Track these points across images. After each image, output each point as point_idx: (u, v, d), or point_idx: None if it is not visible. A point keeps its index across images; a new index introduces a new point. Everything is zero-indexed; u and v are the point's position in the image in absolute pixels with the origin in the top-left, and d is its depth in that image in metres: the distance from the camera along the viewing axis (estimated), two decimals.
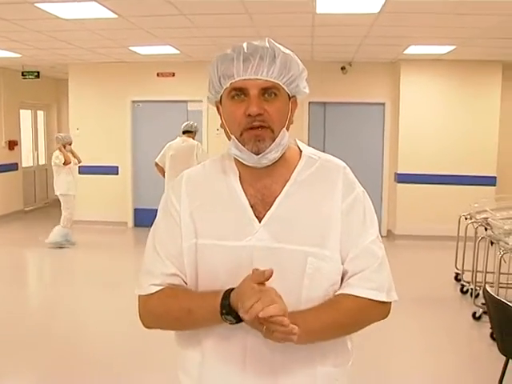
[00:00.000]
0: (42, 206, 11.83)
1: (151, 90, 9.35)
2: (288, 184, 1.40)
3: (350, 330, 1.43)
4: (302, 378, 1.38)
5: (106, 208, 9.63)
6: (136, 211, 9.49)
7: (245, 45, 1.35)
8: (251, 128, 1.33)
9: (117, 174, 9.69)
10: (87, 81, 9.59)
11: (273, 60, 1.33)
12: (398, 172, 8.90)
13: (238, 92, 1.34)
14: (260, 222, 1.37)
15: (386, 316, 1.44)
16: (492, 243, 5.34)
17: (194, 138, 7.32)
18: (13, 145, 10.53)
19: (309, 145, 1.53)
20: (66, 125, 11.33)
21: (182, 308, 1.35)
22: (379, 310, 1.41)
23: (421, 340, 4.82)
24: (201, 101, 9.34)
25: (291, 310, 1.26)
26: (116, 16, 5.77)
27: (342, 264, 1.37)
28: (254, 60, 1.32)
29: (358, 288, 1.36)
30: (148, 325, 1.45)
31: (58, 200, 8.16)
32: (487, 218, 5.47)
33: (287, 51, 1.37)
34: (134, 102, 9.56)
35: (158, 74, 9.39)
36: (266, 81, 1.33)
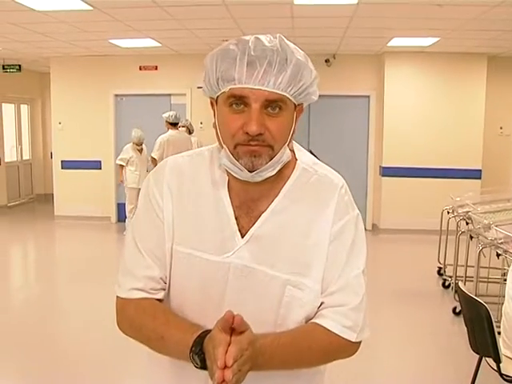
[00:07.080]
0: (27, 201, 11.65)
1: (134, 83, 9.24)
2: (276, 199, 1.25)
3: (314, 361, 1.29)
4: None
5: (89, 203, 9.54)
6: (119, 206, 9.38)
7: (251, 43, 1.14)
8: (248, 144, 1.16)
9: (100, 168, 9.60)
10: (69, 74, 9.45)
11: (283, 67, 1.13)
12: (383, 165, 8.85)
13: (238, 101, 1.15)
14: (242, 237, 1.24)
15: (353, 354, 1.31)
16: (472, 237, 5.30)
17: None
18: None
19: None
20: (50, 119, 11.20)
21: (155, 331, 1.22)
22: (348, 348, 1.27)
23: (401, 333, 4.82)
24: (184, 94, 9.28)
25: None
26: (91, 8, 5.67)
27: (321, 293, 1.25)
28: (261, 66, 1.12)
29: (333, 322, 1.23)
30: (122, 330, 1.32)
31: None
32: (468, 212, 5.43)
33: (300, 55, 1.17)
34: (116, 95, 9.47)
35: (140, 68, 9.29)
36: (272, 92, 1.14)
